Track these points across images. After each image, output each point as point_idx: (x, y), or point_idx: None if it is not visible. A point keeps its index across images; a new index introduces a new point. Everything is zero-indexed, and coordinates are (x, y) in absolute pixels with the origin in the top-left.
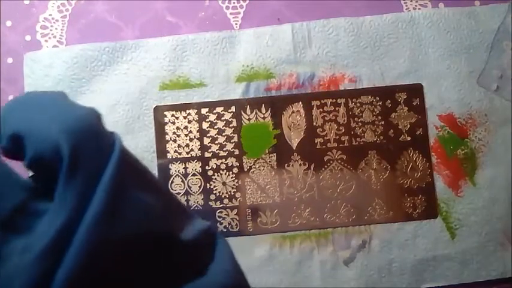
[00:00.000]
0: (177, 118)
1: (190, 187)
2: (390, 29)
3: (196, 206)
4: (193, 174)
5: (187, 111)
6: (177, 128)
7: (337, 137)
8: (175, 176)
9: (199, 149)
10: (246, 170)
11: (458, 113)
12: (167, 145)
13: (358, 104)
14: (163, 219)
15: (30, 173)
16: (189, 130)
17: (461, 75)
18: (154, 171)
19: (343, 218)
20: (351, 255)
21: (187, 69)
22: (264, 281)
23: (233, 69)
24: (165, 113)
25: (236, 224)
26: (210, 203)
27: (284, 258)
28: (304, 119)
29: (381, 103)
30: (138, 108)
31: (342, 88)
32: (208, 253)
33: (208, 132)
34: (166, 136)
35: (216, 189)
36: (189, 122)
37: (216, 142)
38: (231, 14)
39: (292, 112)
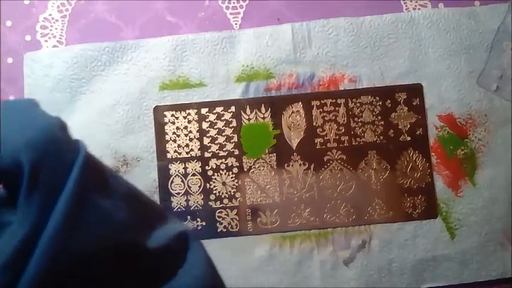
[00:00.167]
0: (177, 118)
1: (190, 187)
2: (390, 29)
3: (196, 206)
4: (193, 174)
5: (187, 111)
6: (177, 128)
7: (337, 137)
8: (175, 176)
9: (199, 149)
10: (246, 170)
11: (458, 113)
12: (167, 145)
13: (358, 104)
14: (127, 228)
15: None
16: (188, 130)
17: (461, 75)
18: (154, 171)
19: (343, 218)
20: (351, 255)
21: (187, 69)
22: (264, 281)
23: (233, 69)
24: (165, 113)
25: (236, 224)
26: (210, 203)
27: (284, 258)
28: (304, 119)
29: (380, 103)
30: (138, 108)
31: (341, 88)
32: (177, 258)
33: (208, 132)
34: (166, 136)
35: (216, 189)
36: (189, 122)
37: (216, 142)
38: (231, 14)
39: (292, 112)
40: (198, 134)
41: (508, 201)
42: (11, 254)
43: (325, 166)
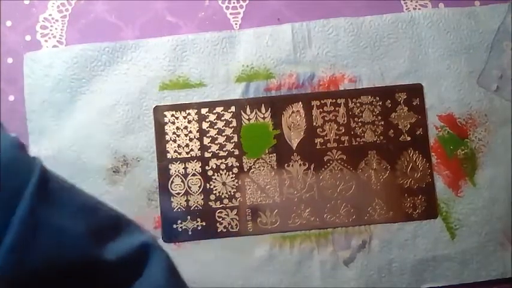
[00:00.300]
0: (177, 118)
1: (190, 187)
2: (390, 29)
3: (196, 206)
4: (193, 174)
5: (187, 111)
6: (177, 128)
7: (337, 137)
8: (175, 176)
9: (199, 149)
10: (246, 170)
11: (458, 113)
12: (167, 145)
13: (358, 104)
14: (82, 242)
15: None
16: (189, 130)
17: (461, 75)
18: (154, 171)
19: (343, 218)
20: (351, 255)
21: (187, 69)
22: (264, 281)
23: (233, 69)
24: (165, 113)
25: (236, 224)
26: (210, 203)
27: (284, 258)
28: (304, 119)
29: (380, 103)
30: (138, 108)
31: (341, 88)
32: (136, 270)
33: (208, 132)
34: (166, 136)
35: (216, 189)
36: (189, 122)
37: (216, 142)
38: (231, 14)
39: (292, 112)
40: (198, 134)
41: (508, 201)
42: None
43: (325, 166)
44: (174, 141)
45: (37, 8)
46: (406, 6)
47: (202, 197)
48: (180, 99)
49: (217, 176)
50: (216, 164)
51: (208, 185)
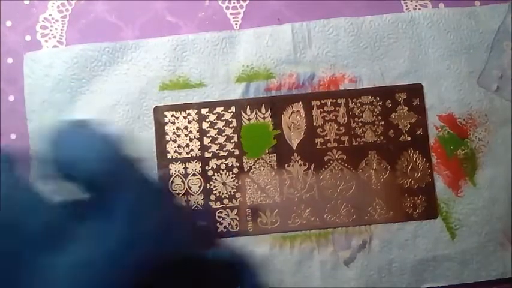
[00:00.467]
0: (177, 118)
1: (190, 187)
2: (390, 29)
3: (196, 206)
4: (193, 175)
5: (187, 112)
6: (177, 128)
7: (337, 137)
8: (175, 176)
9: (199, 149)
10: (246, 170)
11: (458, 113)
12: (167, 145)
13: (358, 104)
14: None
15: None
16: (189, 130)
17: (461, 75)
18: (154, 171)
19: (343, 218)
20: (351, 255)
21: (187, 69)
22: (264, 281)
23: (233, 70)
24: (165, 113)
25: (236, 224)
26: (210, 203)
27: (284, 259)
28: (304, 119)
29: (381, 103)
30: (138, 109)
31: (342, 88)
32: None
33: (208, 132)
34: (167, 136)
35: (216, 190)
36: (189, 122)
37: (216, 142)
38: (231, 14)
39: (292, 112)
40: (198, 134)
41: (508, 201)
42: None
43: (326, 166)
44: (174, 141)
45: (37, 8)
46: (406, 6)
47: (202, 197)
48: (180, 99)
49: (218, 176)
50: (216, 164)
51: (208, 185)
